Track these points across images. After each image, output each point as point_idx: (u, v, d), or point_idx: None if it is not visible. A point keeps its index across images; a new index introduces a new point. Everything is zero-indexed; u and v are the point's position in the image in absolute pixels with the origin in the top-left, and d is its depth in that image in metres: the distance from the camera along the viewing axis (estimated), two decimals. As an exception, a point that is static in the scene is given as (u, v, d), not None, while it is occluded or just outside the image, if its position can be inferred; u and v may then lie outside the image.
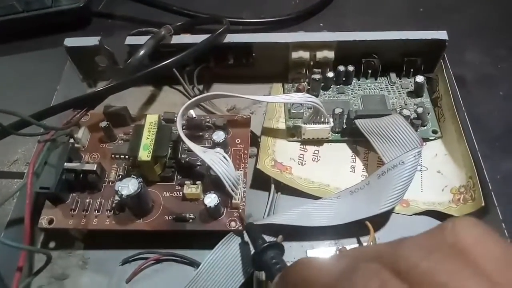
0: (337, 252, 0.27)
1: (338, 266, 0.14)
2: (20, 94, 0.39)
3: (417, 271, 0.12)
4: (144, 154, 0.27)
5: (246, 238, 0.26)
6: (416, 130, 0.31)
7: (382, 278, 0.12)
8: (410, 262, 0.12)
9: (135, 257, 0.28)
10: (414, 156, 0.27)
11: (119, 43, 0.35)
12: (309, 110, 0.34)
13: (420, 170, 0.31)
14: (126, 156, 0.29)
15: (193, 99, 0.29)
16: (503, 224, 0.26)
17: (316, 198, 0.30)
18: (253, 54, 0.36)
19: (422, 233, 0.14)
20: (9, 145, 0.34)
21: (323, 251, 0.28)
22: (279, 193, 0.31)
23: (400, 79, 0.36)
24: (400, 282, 0.12)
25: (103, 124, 0.30)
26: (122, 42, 0.35)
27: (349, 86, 0.36)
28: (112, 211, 0.28)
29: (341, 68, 0.35)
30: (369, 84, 0.36)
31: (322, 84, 0.36)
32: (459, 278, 0.11)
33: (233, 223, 0.27)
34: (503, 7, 0.45)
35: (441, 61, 0.35)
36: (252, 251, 0.25)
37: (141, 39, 0.33)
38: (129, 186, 0.25)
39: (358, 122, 0.31)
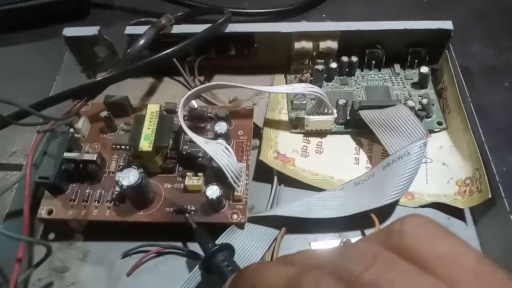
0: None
1: (284, 275, 0.14)
2: (18, 85, 0.38)
3: (361, 284, 0.12)
4: (145, 144, 0.26)
5: (251, 229, 0.26)
6: (421, 122, 0.31)
7: (326, 286, 0.12)
8: (353, 275, 0.12)
9: (136, 250, 0.28)
10: (420, 147, 0.27)
11: (118, 33, 0.35)
12: (312, 101, 0.33)
13: (425, 162, 0.31)
14: (127, 147, 0.29)
15: (194, 89, 0.29)
16: (510, 216, 0.25)
17: (320, 190, 0.29)
18: (255, 45, 0.35)
19: (370, 235, 0.14)
20: (8, 136, 0.34)
21: (327, 244, 0.28)
22: (282, 185, 0.30)
23: (404, 70, 0.36)
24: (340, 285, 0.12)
25: (104, 114, 0.29)
26: (121, 32, 0.35)
27: (352, 77, 0.36)
28: (113, 202, 0.27)
29: (345, 58, 0.34)
30: (372, 75, 0.36)
31: (325, 75, 0.35)
32: (403, 282, 0.11)
33: (235, 216, 0.27)
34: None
35: (446, 51, 0.34)
36: (257, 241, 0.24)
37: (141, 29, 0.33)
38: (129, 177, 0.24)
39: (362, 113, 0.31)
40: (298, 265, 0.15)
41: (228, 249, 0.24)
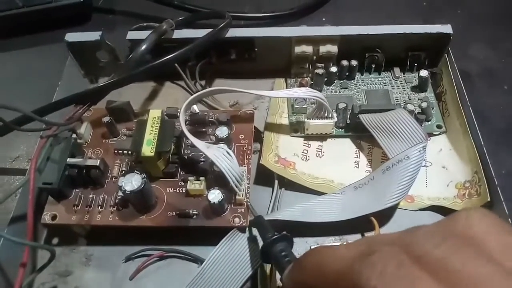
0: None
1: (353, 251, 0.14)
2: (21, 89, 0.38)
3: (430, 258, 0.12)
4: (148, 150, 0.26)
5: (253, 233, 0.26)
6: (421, 125, 0.31)
7: (400, 259, 0.12)
8: (424, 249, 0.12)
9: (138, 254, 0.28)
10: (419, 150, 0.27)
11: (120, 38, 0.35)
12: (313, 105, 0.33)
13: (425, 166, 0.31)
14: (129, 152, 0.29)
15: (196, 94, 0.29)
16: (509, 220, 0.25)
17: (320, 193, 0.29)
18: (256, 49, 0.35)
19: (436, 223, 0.14)
20: (11, 141, 0.34)
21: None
22: (283, 189, 0.30)
23: (404, 73, 0.36)
24: (417, 265, 0.12)
25: (106, 119, 0.30)
26: (123, 37, 0.35)
27: (352, 81, 0.36)
28: (116, 207, 0.27)
29: (345, 62, 0.35)
30: (372, 79, 0.36)
31: (326, 79, 0.35)
32: (472, 265, 0.12)
33: (237, 219, 0.27)
34: (507, 1, 0.44)
35: (446, 55, 0.35)
36: (258, 245, 0.24)
37: (143, 34, 0.33)
38: (132, 182, 0.25)
39: (362, 117, 0.31)
40: (366, 243, 0.15)
41: (288, 240, 0.23)
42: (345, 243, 0.28)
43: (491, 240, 0.13)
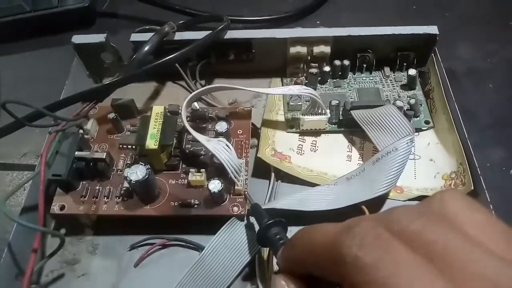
0: None
1: (337, 226, 0.15)
2: (29, 90, 0.40)
3: (408, 231, 0.13)
4: (151, 143, 0.28)
5: (250, 220, 0.28)
6: (409, 121, 0.33)
7: (378, 231, 0.13)
8: (401, 224, 0.13)
9: (142, 243, 0.29)
10: (407, 142, 0.29)
11: (123, 40, 0.37)
12: (307, 102, 0.35)
13: (414, 159, 0.33)
14: (133, 146, 0.31)
15: (196, 91, 0.31)
16: (490, 206, 0.27)
17: (315, 185, 0.31)
18: (253, 50, 0.37)
19: (414, 204, 0.15)
20: (20, 138, 0.36)
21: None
22: (279, 181, 0.32)
23: (393, 72, 0.38)
24: (393, 237, 0.13)
25: (111, 115, 0.31)
26: (126, 40, 0.37)
27: (345, 79, 0.38)
28: (121, 197, 0.29)
29: (337, 62, 0.37)
30: (364, 78, 0.38)
31: (319, 78, 0.37)
32: (445, 237, 0.13)
33: (235, 208, 0.28)
34: (492, 3, 0.46)
35: (433, 55, 0.36)
36: (251, 237, 0.26)
37: (145, 36, 0.35)
38: (137, 172, 0.26)
39: (354, 113, 0.32)
40: (351, 219, 0.15)
41: (282, 224, 0.25)
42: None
43: (463, 216, 0.14)
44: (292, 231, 0.30)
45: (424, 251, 0.12)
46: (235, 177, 0.28)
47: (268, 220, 0.24)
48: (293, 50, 0.36)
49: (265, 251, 0.28)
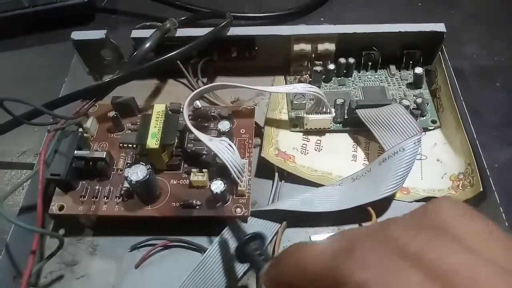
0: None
1: (332, 247, 0.14)
2: (27, 87, 0.39)
3: (409, 250, 0.13)
4: (152, 142, 0.27)
5: (253, 223, 0.27)
6: (416, 120, 0.32)
7: (380, 253, 0.13)
8: (401, 242, 0.13)
9: (143, 243, 0.29)
10: (414, 142, 0.28)
11: (124, 37, 0.36)
12: (311, 101, 0.34)
13: (420, 159, 0.32)
14: (134, 145, 0.30)
15: (199, 89, 0.30)
16: (500, 208, 0.26)
17: (319, 186, 0.30)
18: (256, 47, 0.36)
19: (407, 214, 0.14)
20: (18, 137, 0.35)
21: (327, 237, 0.29)
22: (282, 181, 0.31)
23: (399, 71, 0.37)
24: (398, 258, 0.12)
25: (112, 113, 0.31)
26: (127, 36, 0.36)
27: (349, 78, 0.37)
28: (121, 198, 0.28)
29: (342, 60, 0.36)
30: (369, 76, 0.37)
31: (324, 76, 0.36)
32: (448, 253, 0.12)
33: (238, 209, 0.28)
34: (499, 0, 0.46)
35: (440, 53, 0.36)
36: (260, 234, 0.25)
37: (146, 33, 0.34)
38: (138, 173, 0.26)
39: (359, 112, 0.32)
40: (344, 238, 0.15)
41: (261, 238, 0.24)
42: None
43: (461, 227, 0.13)
44: (296, 233, 0.29)
45: (428, 270, 0.12)
46: (238, 178, 0.27)
47: (246, 235, 0.24)
48: (297, 47, 0.35)
49: (270, 252, 0.28)
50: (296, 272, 0.15)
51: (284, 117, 0.35)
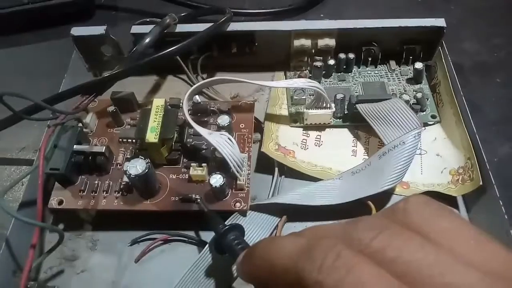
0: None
1: (298, 245, 0.14)
2: (27, 83, 0.39)
3: (372, 248, 0.13)
4: (152, 136, 0.27)
5: (252, 217, 0.27)
6: (416, 114, 0.32)
7: (337, 251, 0.13)
8: (364, 240, 0.13)
9: (143, 238, 0.29)
10: (414, 136, 0.28)
11: (123, 33, 0.36)
12: (311, 96, 0.34)
13: (420, 154, 0.32)
14: (133, 140, 0.30)
15: (198, 83, 0.30)
16: (500, 202, 0.26)
17: (319, 180, 0.30)
18: (256, 43, 0.36)
19: (378, 213, 0.15)
20: (17, 133, 0.35)
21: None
22: (282, 176, 0.31)
23: (399, 66, 0.37)
24: (355, 256, 0.13)
25: (111, 108, 0.31)
26: (126, 32, 0.36)
27: (349, 73, 0.37)
28: (120, 192, 0.28)
29: (342, 55, 0.36)
30: (369, 72, 0.37)
31: (324, 71, 0.36)
32: (408, 251, 0.12)
33: (238, 204, 0.28)
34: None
35: (440, 48, 0.36)
36: (259, 228, 0.25)
37: (146, 28, 0.34)
38: (137, 167, 0.26)
39: (359, 106, 0.32)
40: (309, 237, 0.15)
41: (239, 229, 0.24)
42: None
43: (428, 225, 0.13)
44: (296, 227, 0.29)
45: (390, 267, 0.12)
46: (237, 172, 0.27)
47: (224, 226, 0.24)
48: (297, 43, 0.35)
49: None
50: (265, 267, 0.16)
51: (284, 112, 0.34)
